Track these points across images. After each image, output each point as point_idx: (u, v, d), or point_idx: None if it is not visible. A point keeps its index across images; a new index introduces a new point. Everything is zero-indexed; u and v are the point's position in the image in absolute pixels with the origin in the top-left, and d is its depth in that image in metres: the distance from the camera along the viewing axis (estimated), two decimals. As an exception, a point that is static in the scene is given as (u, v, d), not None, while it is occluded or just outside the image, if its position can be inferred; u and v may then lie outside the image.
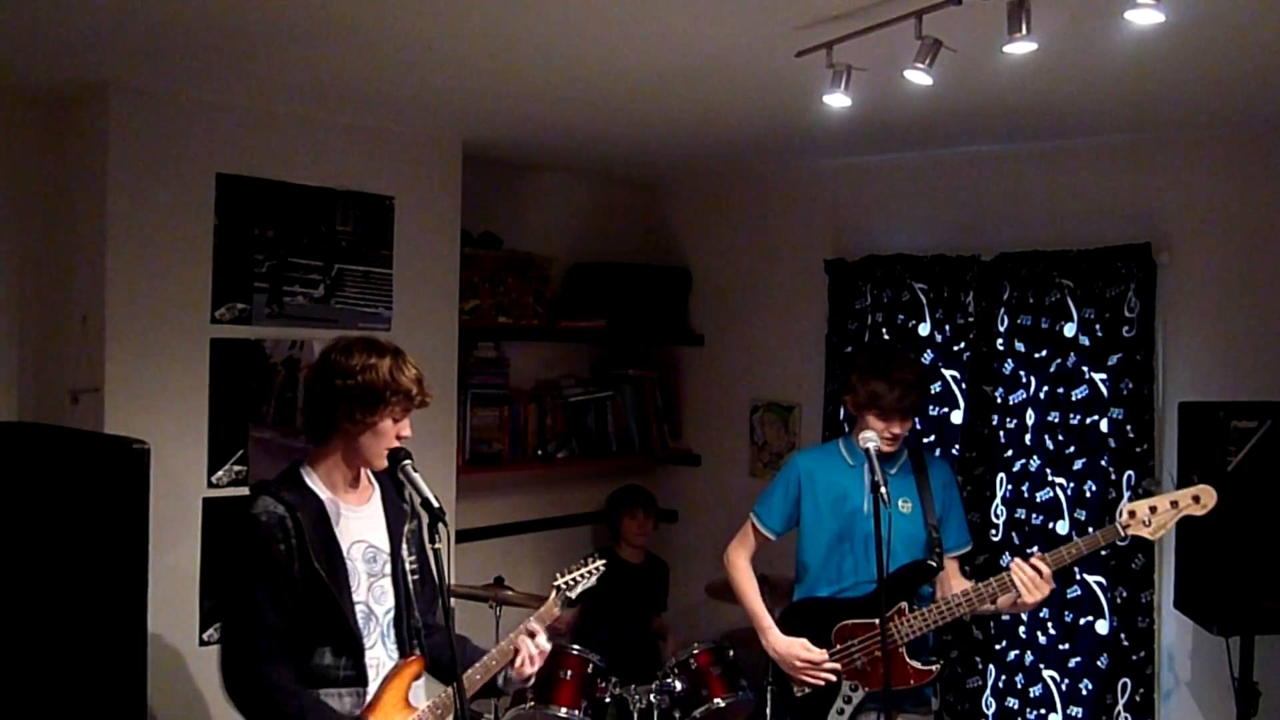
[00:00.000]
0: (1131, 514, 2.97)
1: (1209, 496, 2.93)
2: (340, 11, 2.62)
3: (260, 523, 2.49)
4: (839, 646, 3.27)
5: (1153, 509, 2.96)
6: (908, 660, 3.18)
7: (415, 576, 2.75)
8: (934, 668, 3.20)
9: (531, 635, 2.78)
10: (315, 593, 2.51)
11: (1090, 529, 3.78)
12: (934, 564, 3.22)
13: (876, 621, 3.18)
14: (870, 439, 3.06)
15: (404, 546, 2.73)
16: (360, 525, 2.66)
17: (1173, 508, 2.96)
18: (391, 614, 2.69)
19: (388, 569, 2.69)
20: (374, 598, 2.65)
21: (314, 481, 2.63)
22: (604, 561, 3.10)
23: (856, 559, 3.30)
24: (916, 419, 3.42)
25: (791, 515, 3.44)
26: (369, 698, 2.61)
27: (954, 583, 3.33)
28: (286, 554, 2.49)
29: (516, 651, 2.75)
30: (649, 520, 4.78)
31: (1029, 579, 3.04)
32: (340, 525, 2.61)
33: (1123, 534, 2.99)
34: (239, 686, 2.51)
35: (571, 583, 3.01)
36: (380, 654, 2.65)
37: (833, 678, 3.26)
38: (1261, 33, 2.58)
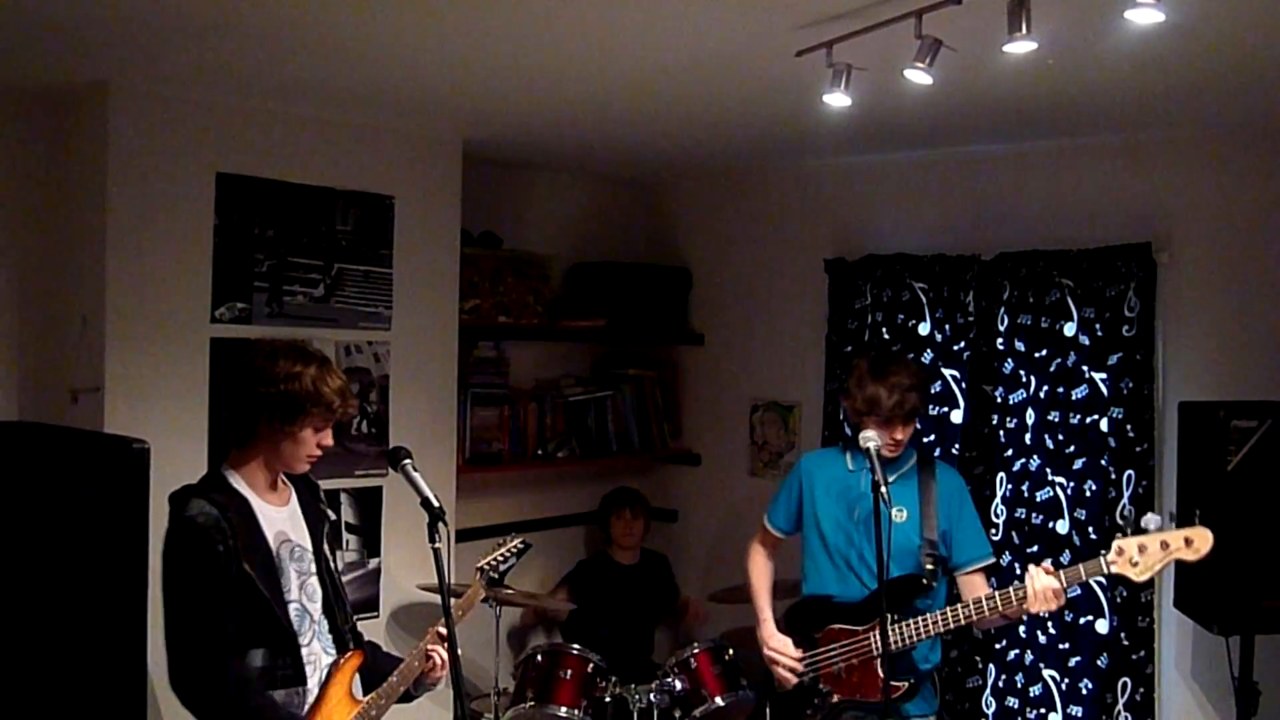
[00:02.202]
0: (1120, 551, 2.82)
1: (1204, 541, 2.76)
2: (341, 12, 2.62)
3: (196, 524, 2.46)
4: (822, 649, 3.26)
5: (1142, 548, 2.80)
6: (880, 673, 3.10)
7: (340, 575, 2.76)
8: (902, 685, 3.12)
9: (443, 640, 2.73)
10: (247, 594, 2.49)
11: (1090, 529, 3.78)
12: (925, 580, 3.15)
13: (859, 629, 3.18)
14: (870, 439, 3.03)
15: (325, 546, 2.74)
16: (284, 525, 2.66)
17: (1163, 549, 2.79)
18: (323, 611, 2.69)
19: (313, 567, 2.69)
20: (306, 596, 2.64)
21: (237, 483, 2.61)
22: (521, 540, 3.11)
23: (851, 562, 3.27)
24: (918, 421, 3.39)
25: (795, 515, 3.46)
26: (310, 695, 2.60)
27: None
28: (225, 555, 2.46)
29: (429, 657, 2.73)
30: (637, 520, 4.78)
31: (1041, 591, 2.89)
32: (265, 524, 2.60)
33: (1106, 570, 2.84)
34: (203, 692, 2.46)
35: (495, 562, 3.05)
36: (317, 650, 2.64)
37: (791, 678, 3.28)
38: (1262, 33, 2.58)
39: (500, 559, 3.08)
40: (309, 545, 2.70)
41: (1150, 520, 2.89)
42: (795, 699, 3.30)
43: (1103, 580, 3.77)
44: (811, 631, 3.30)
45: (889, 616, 2.98)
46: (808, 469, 3.46)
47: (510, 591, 3.98)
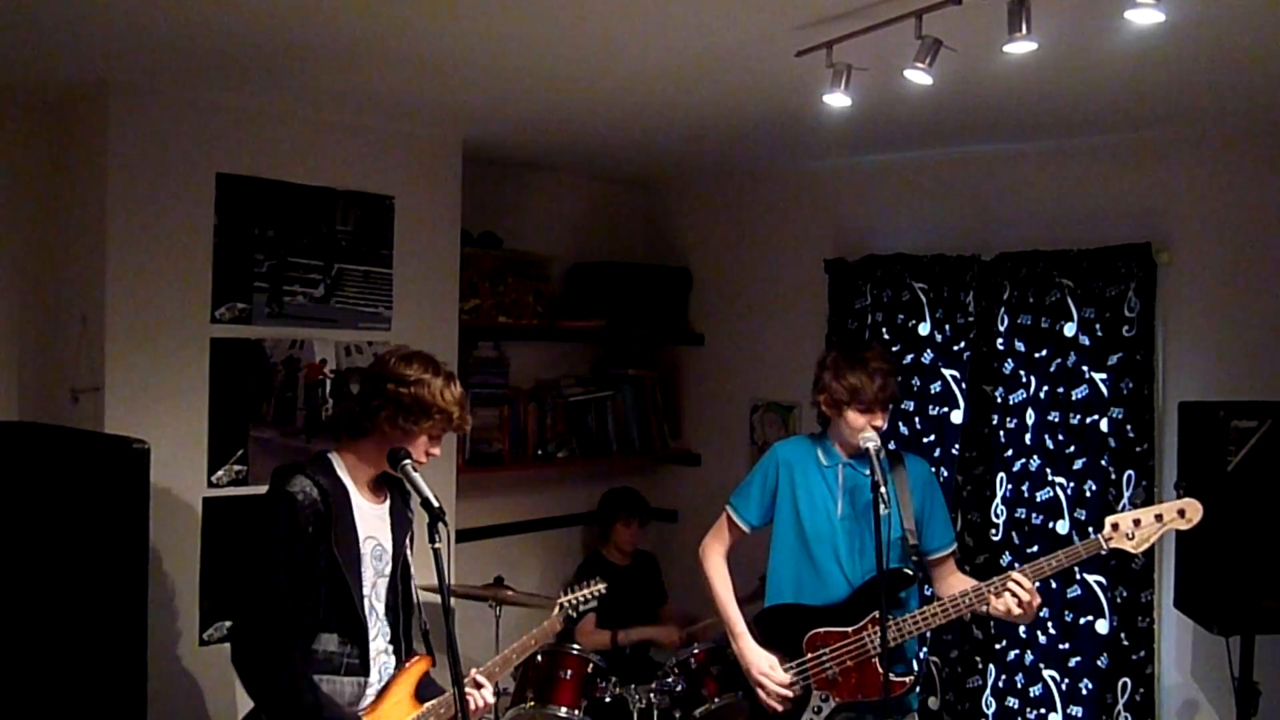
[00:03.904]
0: (1115, 526, 2.89)
1: (1194, 510, 2.86)
2: (340, 13, 2.62)
3: (296, 500, 2.54)
4: (810, 656, 3.16)
5: (1136, 522, 2.88)
6: (880, 670, 3.04)
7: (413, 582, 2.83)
8: (906, 679, 3.10)
9: (478, 687, 2.80)
10: (331, 578, 2.56)
11: (1090, 529, 3.78)
12: (909, 571, 3.12)
13: (849, 630, 3.12)
14: (871, 439, 3.01)
15: (407, 551, 2.81)
16: (373, 523, 2.72)
17: (1157, 521, 2.88)
18: (388, 612, 2.75)
19: (388, 570, 2.75)
20: (376, 594, 2.71)
21: (341, 471, 2.69)
22: (604, 586, 3.21)
23: (828, 563, 3.19)
24: (896, 415, 3.35)
25: (769, 508, 3.29)
26: (370, 689, 2.66)
27: (951, 581, 3.26)
28: (313, 537, 2.54)
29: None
30: (643, 528, 4.80)
31: (1015, 611, 2.94)
32: (359, 518, 2.67)
33: (1105, 547, 2.90)
34: (255, 668, 2.52)
35: (577, 602, 3.16)
36: (380, 646, 2.70)
37: (779, 707, 3.15)
38: (1262, 33, 2.58)
39: (582, 600, 3.21)
40: (390, 549, 2.75)
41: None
42: (788, 711, 3.18)
43: (1103, 580, 3.77)
44: (795, 640, 3.19)
45: (886, 613, 2.98)
46: (785, 459, 3.29)
47: (511, 593, 3.97)
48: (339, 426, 2.75)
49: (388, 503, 2.79)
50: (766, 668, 3.18)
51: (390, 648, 2.75)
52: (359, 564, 2.63)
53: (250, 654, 2.53)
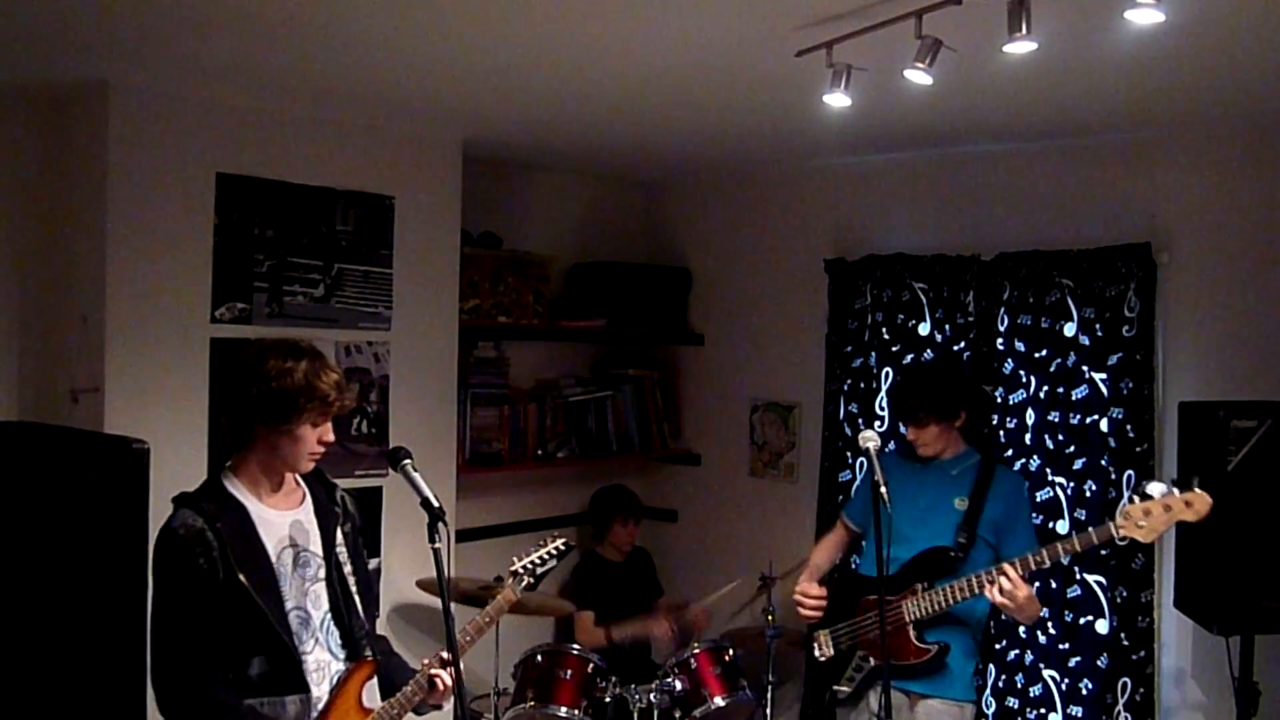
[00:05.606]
0: (1126, 515, 2.94)
1: (1202, 503, 2.86)
2: (341, 12, 2.62)
3: (178, 537, 2.41)
4: (859, 618, 3.47)
5: (1146, 512, 2.92)
6: (911, 637, 3.32)
7: (354, 578, 2.66)
8: (931, 648, 3.30)
9: (444, 665, 2.64)
10: (242, 603, 2.43)
11: (1090, 529, 3.78)
12: (953, 552, 3.34)
13: (891, 598, 3.33)
14: (870, 438, 3.08)
15: (340, 549, 2.66)
16: (288, 530, 2.57)
17: (1165, 512, 2.90)
18: (330, 616, 2.60)
19: (321, 573, 2.60)
20: (310, 601, 2.57)
21: (236, 489, 2.54)
22: (564, 540, 2.88)
23: (903, 543, 3.39)
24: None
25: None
26: (316, 702, 2.54)
27: None
28: (208, 567, 2.40)
29: (433, 681, 2.63)
30: (638, 527, 4.81)
31: (998, 599, 3.11)
32: (265, 531, 2.52)
33: (1117, 535, 2.97)
34: (175, 705, 2.43)
35: (530, 566, 2.83)
36: (323, 656, 2.57)
37: (815, 614, 3.54)
38: (1261, 33, 2.59)
39: (539, 561, 2.85)
40: (318, 549, 2.61)
41: (1154, 488, 2.98)
42: (835, 665, 3.50)
43: (1103, 580, 3.78)
44: (849, 603, 3.51)
45: (920, 587, 3.31)
46: (883, 464, 3.53)
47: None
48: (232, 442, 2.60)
49: (308, 502, 2.64)
50: (803, 587, 3.60)
51: (344, 653, 2.61)
52: (273, 580, 2.49)
53: (168, 694, 2.42)
